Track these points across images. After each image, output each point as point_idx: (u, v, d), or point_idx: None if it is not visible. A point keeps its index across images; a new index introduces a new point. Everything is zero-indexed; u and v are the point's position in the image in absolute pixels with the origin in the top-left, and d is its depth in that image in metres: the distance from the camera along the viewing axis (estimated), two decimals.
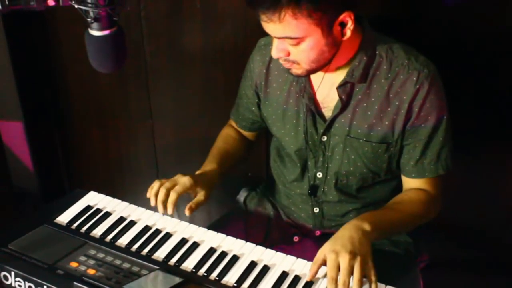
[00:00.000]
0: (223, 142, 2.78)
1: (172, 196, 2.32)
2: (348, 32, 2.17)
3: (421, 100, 2.28)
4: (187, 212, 2.37)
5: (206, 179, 2.48)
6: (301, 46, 2.15)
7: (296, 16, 2.04)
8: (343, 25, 2.15)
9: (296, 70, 2.26)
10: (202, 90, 3.28)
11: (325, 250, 2.05)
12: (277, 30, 2.11)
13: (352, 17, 2.13)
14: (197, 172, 2.54)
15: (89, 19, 1.82)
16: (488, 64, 2.89)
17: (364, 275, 2.01)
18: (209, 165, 2.59)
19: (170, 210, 2.33)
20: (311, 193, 2.57)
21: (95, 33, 1.85)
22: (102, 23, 1.83)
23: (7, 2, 1.77)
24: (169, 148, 3.52)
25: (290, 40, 2.13)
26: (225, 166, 2.64)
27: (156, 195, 2.34)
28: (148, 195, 2.37)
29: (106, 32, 1.85)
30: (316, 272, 2.07)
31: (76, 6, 1.79)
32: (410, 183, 2.47)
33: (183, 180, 2.38)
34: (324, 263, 2.04)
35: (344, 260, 1.99)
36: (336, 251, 2.02)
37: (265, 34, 2.21)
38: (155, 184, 2.36)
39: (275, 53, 2.21)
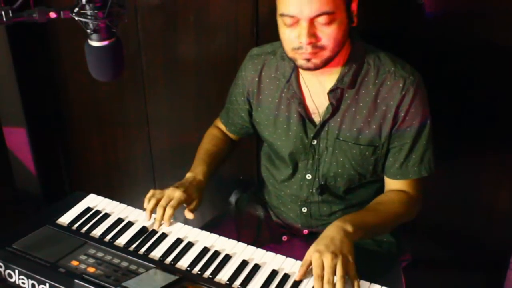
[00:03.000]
0: (210, 143, 2.76)
1: (169, 211, 2.33)
2: (355, 20, 2.22)
3: (407, 105, 2.30)
4: (191, 216, 2.39)
5: (196, 187, 2.49)
6: (332, 26, 2.13)
7: None
8: (352, 13, 2.21)
9: (316, 60, 2.20)
10: (196, 98, 3.28)
11: (311, 251, 2.07)
12: (315, 5, 2.08)
13: (356, 6, 2.20)
14: (187, 175, 2.54)
15: (88, 31, 1.82)
16: (468, 73, 2.91)
17: (346, 273, 2.02)
18: (198, 167, 2.58)
19: (167, 224, 2.34)
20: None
21: (95, 44, 1.85)
22: (101, 35, 1.83)
23: (11, 14, 1.77)
24: (165, 153, 3.52)
25: (324, 19, 2.11)
26: (213, 167, 2.64)
27: (151, 211, 2.37)
28: (145, 205, 2.39)
29: (105, 43, 1.85)
30: (305, 273, 2.07)
31: (76, 18, 1.79)
32: (392, 184, 2.48)
33: (178, 195, 2.38)
34: (311, 264, 2.05)
35: (327, 260, 2.01)
36: (319, 251, 2.04)
37: (254, 45, 2.21)
38: (152, 200, 2.38)
39: (306, 38, 2.13)
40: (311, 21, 2.12)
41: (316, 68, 2.23)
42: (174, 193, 2.38)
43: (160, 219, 2.33)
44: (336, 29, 2.14)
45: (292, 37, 2.18)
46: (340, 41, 2.19)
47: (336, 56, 2.24)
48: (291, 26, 2.16)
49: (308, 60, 2.20)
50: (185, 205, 2.41)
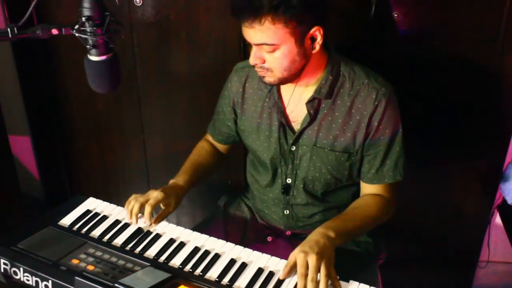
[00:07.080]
0: (197, 154, 2.77)
1: (147, 209, 2.33)
2: (317, 46, 2.22)
3: (380, 115, 2.31)
4: (154, 225, 2.36)
5: (175, 191, 2.48)
6: (276, 53, 2.18)
7: (274, 22, 2.08)
8: (313, 39, 2.20)
9: (269, 78, 2.27)
10: (188, 108, 3.28)
11: (295, 253, 2.07)
12: (257, 36, 2.14)
13: (321, 33, 2.19)
14: (171, 181, 2.55)
15: (88, 46, 1.82)
16: (437, 85, 2.93)
17: (329, 273, 2.03)
18: (180, 176, 2.58)
19: (148, 222, 2.34)
20: (284, 192, 2.57)
21: (94, 58, 1.85)
22: (99, 50, 1.83)
23: (16, 31, 1.77)
24: (159, 159, 3.51)
25: (267, 47, 2.16)
26: (197, 176, 2.63)
27: (131, 210, 2.37)
28: (125, 206, 2.39)
29: (103, 58, 1.85)
30: (289, 273, 2.07)
31: (77, 34, 1.79)
32: (368, 188, 2.50)
33: (155, 194, 2.38)
34: (295, 264, 2.05)
35: (312, 260, 2.01)
36: (305, 251, 2.04)
37: (241, 59, 2.22)
38: (132, 200, 2.38)
39: (252, 59, 2.23)
40: (259, 46, 2.19)
41: (272, 84, 2.33)
42: (153, 193, 2.39)
43: (136, 213, 2.35)
44: (280, 57, 2.19)
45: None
46: (287, 66, 2.23)
47: (298, 74, 2.29)
48: (252, 47, 2.23)
49: (263, 77, 2.29)
50: (161, 205, 2.41)
